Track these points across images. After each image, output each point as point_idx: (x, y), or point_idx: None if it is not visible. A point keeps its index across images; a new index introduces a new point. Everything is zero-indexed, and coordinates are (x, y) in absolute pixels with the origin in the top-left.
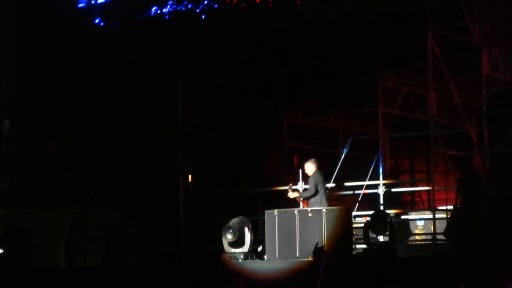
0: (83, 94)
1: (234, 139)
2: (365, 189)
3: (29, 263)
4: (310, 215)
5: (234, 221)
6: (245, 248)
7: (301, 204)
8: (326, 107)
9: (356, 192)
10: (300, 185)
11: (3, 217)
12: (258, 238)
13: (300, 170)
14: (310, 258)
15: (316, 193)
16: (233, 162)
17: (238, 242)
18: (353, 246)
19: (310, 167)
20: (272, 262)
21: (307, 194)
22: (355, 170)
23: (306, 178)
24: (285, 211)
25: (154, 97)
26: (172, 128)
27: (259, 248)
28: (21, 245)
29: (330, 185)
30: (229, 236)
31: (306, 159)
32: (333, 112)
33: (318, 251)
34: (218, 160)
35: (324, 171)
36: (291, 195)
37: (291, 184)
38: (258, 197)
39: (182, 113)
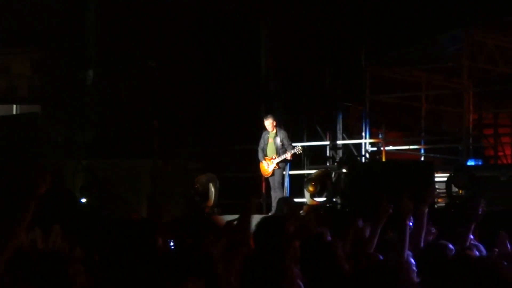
0: (166, 47)
1: (317, 91)
2: (448, 143)
3: (111, 212)
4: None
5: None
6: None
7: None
8: (409, 61)
9: (439, 146)
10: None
11: (86, 167)
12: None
13: (383, 125)
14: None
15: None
16: (316, 116)
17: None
18: (435, 200)
19: (271, 123)
20: None
21: (291, 149)
22: (439, 123)
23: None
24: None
25: (236, 46)
26: (255, 79)
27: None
28: (104, 195)
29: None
30: (311, 188)
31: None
32: (417, 65)
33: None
34: (300, 112)
35: (408, 125)
36: (271, 167)
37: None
38: (340, 150)
39: (264, 63)
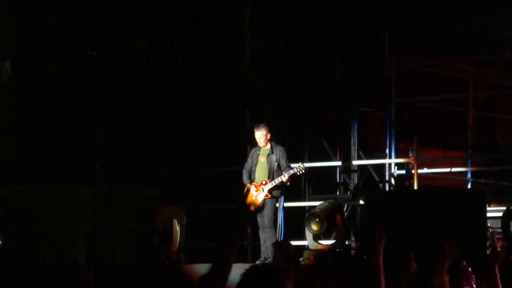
0: (111, 29)
1: (321, 92)
2: (505, 164)
3: (37, 260)
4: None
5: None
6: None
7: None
8: (451, 50)
9: (493, 168)
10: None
11: (0, 196)
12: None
13: (415, 138)
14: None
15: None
16: (319, 124)
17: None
18: (487, 244)
19: (264, 135)
20: None
21: (290, 169)
22: (492, 137)
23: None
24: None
25: (210, 28)
26: (236, 76)
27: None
28: (26, 235)
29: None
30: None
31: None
32: (461, 56)
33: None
34: (298, 121)
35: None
36: (260, 196)
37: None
38: (355, 174)
39: (250, 57)
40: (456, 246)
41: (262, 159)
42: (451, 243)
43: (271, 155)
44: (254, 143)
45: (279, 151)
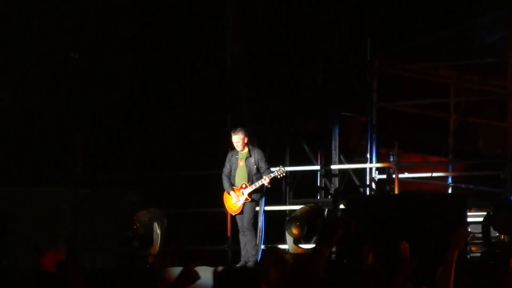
0: (93, 31)
1: (303, 97)
2: (486, 170)
3: (15, 264)
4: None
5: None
6: None
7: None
8: (433, 55)
9: (474, 174)
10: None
11: None
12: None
13: (396, 143)
14: None
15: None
16: (301, 129)
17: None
18: (468, 248)
19: (242, 139)
20: None
21: (269, 173)
22: (473, 142)
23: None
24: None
25: (192, 31)
26: (217, 79)
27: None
28: (5, 237)
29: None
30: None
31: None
32: (443, 61)
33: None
34: (280, 126)
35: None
36: (241, 200)
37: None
38: (336, 178)
39: (231, 60)
40: (465, 235)
41: (241, 163)
42: (459, 231)
43: (249, 158)
44: (232, 147)
45: (257, 154)
